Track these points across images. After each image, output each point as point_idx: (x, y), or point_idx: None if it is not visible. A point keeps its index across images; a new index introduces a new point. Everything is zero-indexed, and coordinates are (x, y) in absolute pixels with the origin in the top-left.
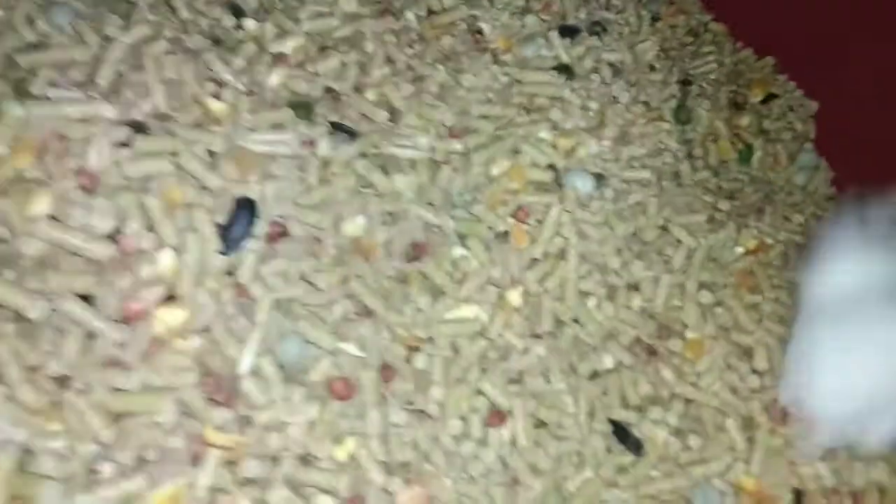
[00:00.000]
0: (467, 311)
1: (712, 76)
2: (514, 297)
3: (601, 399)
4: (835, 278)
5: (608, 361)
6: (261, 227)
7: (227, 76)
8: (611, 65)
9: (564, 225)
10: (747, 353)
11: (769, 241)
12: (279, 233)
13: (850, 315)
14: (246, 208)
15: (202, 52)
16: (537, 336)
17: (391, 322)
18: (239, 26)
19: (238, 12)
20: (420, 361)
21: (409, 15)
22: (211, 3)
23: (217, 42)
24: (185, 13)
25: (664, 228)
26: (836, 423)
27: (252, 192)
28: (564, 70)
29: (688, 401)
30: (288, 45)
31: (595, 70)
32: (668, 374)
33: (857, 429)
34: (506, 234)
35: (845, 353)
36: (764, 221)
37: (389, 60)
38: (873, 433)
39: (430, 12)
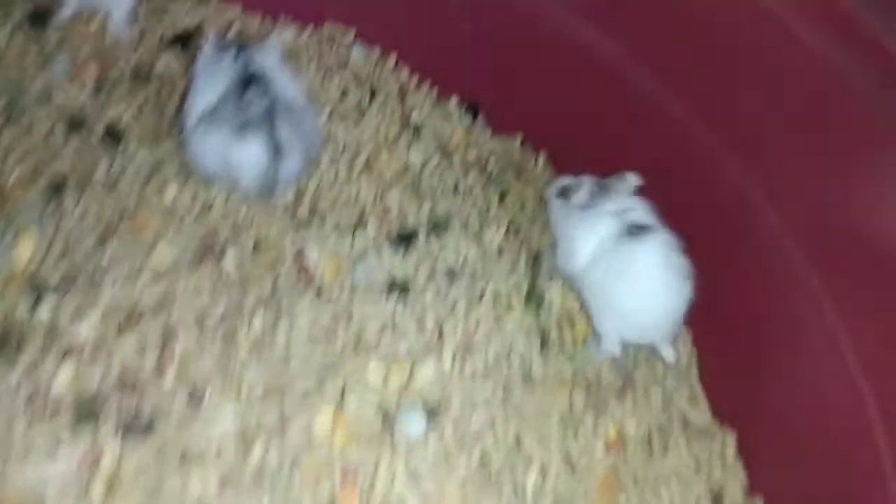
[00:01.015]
0: None
1: None
2: None
3: None
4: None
5: None
6: None
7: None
8: (449, 271)
9: (397, 477)
10: None
11: (632, 430)
12: None
13: None
14: None
15: None
16: None
17: None
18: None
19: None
20: None
21: (230, 256)
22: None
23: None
24: None
25: (516, 444)
26: None
27: None
28: (397, 288)
29: None
30: (83, 330)
31: (430, 278)
32: None
33: None
34: None
35: None
36: (625, 406)
37: (199, 322)
38: None
39: (255, 248)
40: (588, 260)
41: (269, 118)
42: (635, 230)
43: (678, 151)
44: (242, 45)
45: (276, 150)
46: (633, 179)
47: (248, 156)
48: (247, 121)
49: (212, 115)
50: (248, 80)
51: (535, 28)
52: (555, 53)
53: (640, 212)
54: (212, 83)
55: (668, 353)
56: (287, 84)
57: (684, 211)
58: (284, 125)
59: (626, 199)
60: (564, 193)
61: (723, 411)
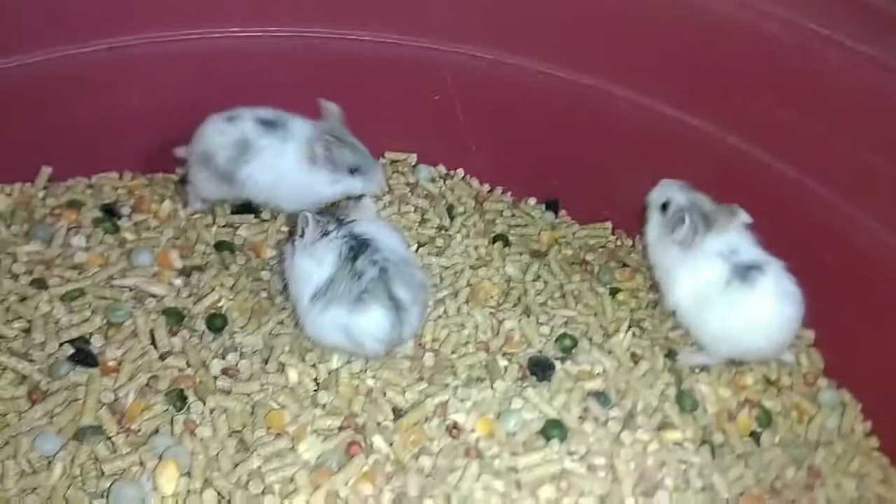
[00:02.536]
0: None
1: None
2: None
3: None
4: None
5: None
6: None
7: None
8: (595, 394)
9: None
10: None
11: None
12: None
13: None
14: None
15: None
16: None
17: None
18: None
19: None
20: None
21: (377, 442)
22: None
23: None
24: None
25: None
26: None
27: None
28: (554, 428)
29: None
30: None
31: (581, 407)
32: None
33: None
34: None
35: None
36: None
37: None
38: None
39: (396, 419)
40: (690, 299)
41: (384, 281)
42: (746, 273)
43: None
44: (341, 216)
45: (397, 311)
46: (743, 216)
47: (371, 325)
48: (364, 290)
49: (326, 290)
50: (357, 248)
51: (609, 112)
52: (638, 134)
53: (748, 249)
54: (318, 259)
55: (788, 358)
56: (391, 239)
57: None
58: (400, 284)
59: (730, 237)
60: (665, 207)
61: None
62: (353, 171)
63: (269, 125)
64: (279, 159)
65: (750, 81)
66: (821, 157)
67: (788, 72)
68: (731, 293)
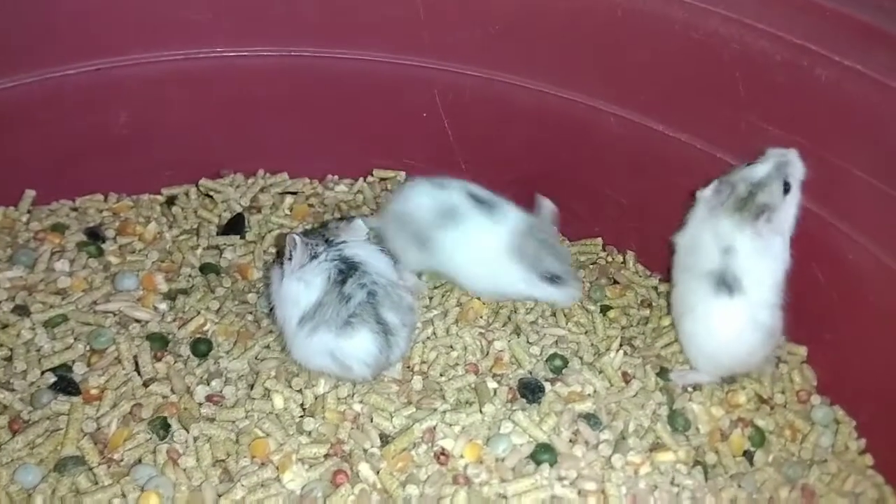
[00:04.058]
0: None
1: None
2: None
3: None
4: None
5: None
6: None
7: None
8: (586, 416)
9: None
10: None
11: None
12: None
13: None
14: None
15: None
16: None
17: None
18: None
19: None
20: None
21: (363, 470)
22: None
23: None
24: None
25: None
26: None
27: None
28: (544, 452)
29: None
30: None
31: (571, 430)
32: None
33: None
34: None
35: None
36: None
37: None
38: None
39: (383, 445)
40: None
41: (373, 305)
42: (725, 288)
43: None
44: (330, 238)
45: (385, 335)
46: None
47: (359, 349)
48: (352, 314)
49: (314, 314)
50: (346, 271)
51: (598, 128)
52: (627, 150)
53: (741, 258)
54: (306, 282)
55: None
56: (379, 262)
57: None
58: (388, 307)
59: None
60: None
61: None
62: (551, 278)
63: (479, 201)
64: (484, 237)
65: (738, 97)
66: (810, 173)
67: (776, 87)
68: (711, 304)
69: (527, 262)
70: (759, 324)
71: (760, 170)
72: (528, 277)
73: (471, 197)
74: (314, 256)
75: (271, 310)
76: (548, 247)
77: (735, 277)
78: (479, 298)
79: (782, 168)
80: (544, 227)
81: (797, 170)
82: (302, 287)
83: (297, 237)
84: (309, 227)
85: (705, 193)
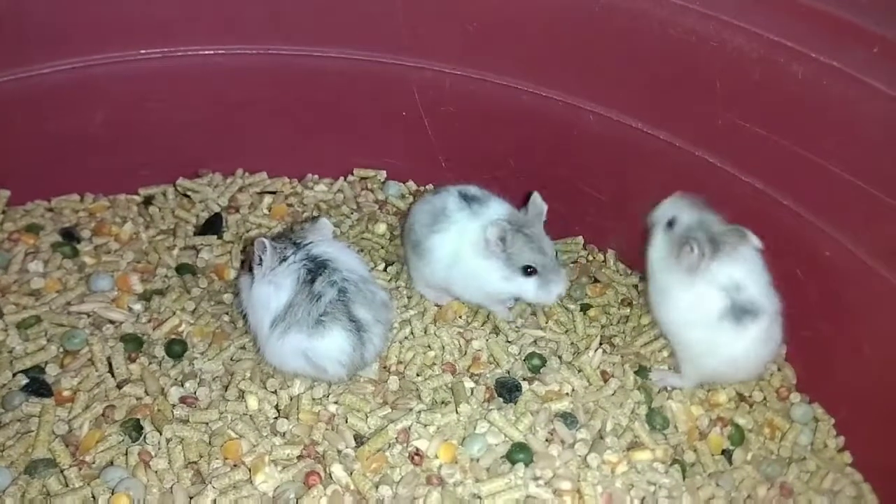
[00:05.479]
0: None
1: None
2: None
3: None
4: None
5: None
6: None
7: None
8: (562, 415)
9: None
10: None
11: None
12: None
13: None
14: None
15: None
16: None
17: None
18: None
19: None
20: None
21: (336, 471)
22: None
23: None
24: None
25: None
26: None
27: None
28: (519, 452)
29: None
30: None
31: (547, 429)
32: None
33: None
34: None
35: None
36: None
37: None
38: None
39: (357, 446)
40: (681, 323)
41: (344, 303)
42: (741, 315)
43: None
44: (297, 240)
45: (358, 332)
46: (755, 241)
47: (332, 349)
48: (323, 313)
49: (285, 316)
50: (314, 270)
51: (578, 126)
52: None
53: (752, 289)
54: (277, 285)
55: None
56: (349, 258)
57: None
58: (360, 304)
59: (737, 266)
60: (672, 225)
61: None
62: (528, 271)
63: (469, 199)
64: (462, 236)
65: (715, 94)
66: (788, 169)
67: (753, 84)
68: (722, 330)
69: (498, 255)
70: (775, 337)
71: (686, 217)
72: (504, 273)
73: (460, 196)
74: (283, 259)
75: (244, 317)
76: (521, 236)
77: (752, 300)
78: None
79: (691, 207)
80: (523, 220)
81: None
82: (272, 290)
83: (266, 241)
84: (285, 227)
85: (693, 257)
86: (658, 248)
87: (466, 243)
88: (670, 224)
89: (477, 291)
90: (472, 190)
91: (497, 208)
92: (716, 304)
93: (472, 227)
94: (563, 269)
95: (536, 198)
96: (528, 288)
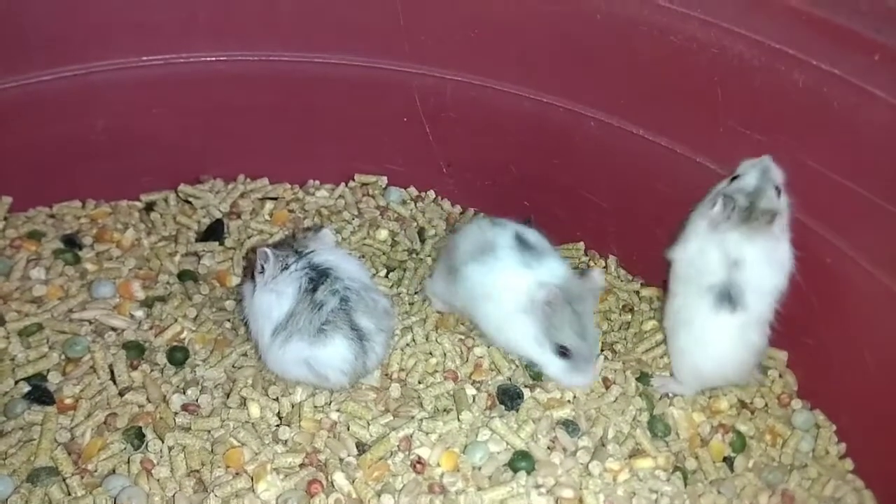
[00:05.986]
0: None
1: None
2: None
3: None
4: None
5: None
6: None
7: None
8: (564, 423)
9: None
10: None
11: None
12: None
13: None
14: None
15: None
16: None
17: None
18: None
19: None
20: None
21: (338, 479)
22: None
23: None
24: None
25: None
26: None
27: None
28: (521, 460)
29: None
30: None
31: (549, 438)
32: None
33: None
34: None
35: None
36: None
37: None
38: None
39: (360, 454)
40: (678, 272)
41: (346, 311)
42: (721, 300)
43: None
44: (300, 248)
45: (361, 340)
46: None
47: (334, 357)
48: (325, 321)
49: (287, 324)
50: (316, 279)
51: (579, 133)
52: (608, 154)
53: (748, 278)
54: (279, 293)
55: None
56: (351, 266)
57: None
58: (362, 312)
59: (750, 247)
60: (734, 179)
61: None
62: (562, 351)
63: (523, 244)
64: (502, 277)
65: (716, 101)
66: (789, 177)
67: (754, 91)
68: (702, 303)
69: (541, 320)
70: (751, 342)
71: (750, 179)
72: (539, 342)
73: (516, 238)
74: (285, 268)
75: (246, 325)
76: (575, 319)
77: (740, 291)
78: None
79: (767, 174)
80: (581, 296)
81: (778, 174)
82: (274, 298)
83: (268, 250)
84: (287, 235)
85: (714, 210)
86: (710, 192)
87: (509, 289)
88: (734, 178)
89: (498, 334)
90: (532, 236)
91: (554, 267)
92: (709, 268)
93: (523, 276)
94: (597, 360)
95: (597, 275)
96: (554, 365)
